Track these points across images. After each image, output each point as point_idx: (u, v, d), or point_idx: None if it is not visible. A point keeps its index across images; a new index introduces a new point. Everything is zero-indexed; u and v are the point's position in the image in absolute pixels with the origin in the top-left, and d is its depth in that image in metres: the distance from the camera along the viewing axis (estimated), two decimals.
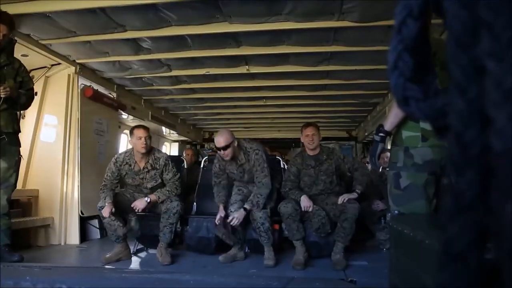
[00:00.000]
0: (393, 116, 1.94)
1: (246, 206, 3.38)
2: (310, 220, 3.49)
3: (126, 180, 3.59)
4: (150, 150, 3.58)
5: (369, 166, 4.55)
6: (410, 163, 1.92)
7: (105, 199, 3.33)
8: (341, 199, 3.41)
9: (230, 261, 3.44)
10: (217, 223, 3.41)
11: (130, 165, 3.55)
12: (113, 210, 3.29)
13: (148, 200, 3.44)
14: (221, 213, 3.45)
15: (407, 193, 1.93)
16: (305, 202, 3.45)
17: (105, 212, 3.27)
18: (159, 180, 3.59)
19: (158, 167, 3.57)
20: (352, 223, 3.33)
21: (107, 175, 3.53)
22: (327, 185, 3.63)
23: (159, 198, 3.50)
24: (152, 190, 3.57)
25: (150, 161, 3.56)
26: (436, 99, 0.44)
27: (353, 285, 2.32)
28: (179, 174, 3.72)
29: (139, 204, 3.42)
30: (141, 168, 3.55)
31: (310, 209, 3.42)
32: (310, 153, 3.67)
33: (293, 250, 3.53)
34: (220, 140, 3.44)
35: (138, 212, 3.50)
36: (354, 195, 3.44)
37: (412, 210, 1.88)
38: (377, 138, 2.01)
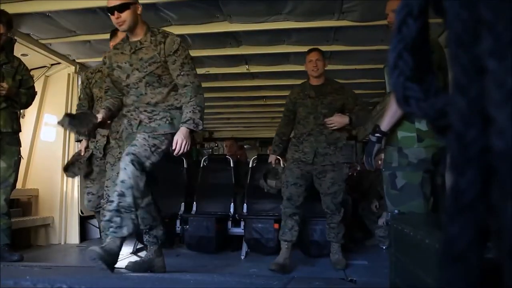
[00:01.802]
0: (390, 116, 1.94)
1: (188, 126, 2.34)
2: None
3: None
4: None
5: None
6: (405, 162, 1.94)
7: None
8: (329, 122, 3.07)
9: (142, 270, 2.48)
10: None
11: None
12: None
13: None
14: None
15: (404, 193, 1.94)
16: (270, 158, 3.37)
17: None
18: None
19: None
20: (337, 223, 3.19)
21: None
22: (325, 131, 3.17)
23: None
24: None
25: None
26: (436, 99, 0.44)
27: (353, 284, 2.33)
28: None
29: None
30: None
31: (274, 165, 3.36)
32: (313, 82, 3.21)
33: (293, 251, 3.51)
34: None
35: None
36: (345, 119, 3.08)
37: (410, 209, 1.88)
38: (373, 138, 2.01)
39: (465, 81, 0.36)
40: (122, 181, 2.18)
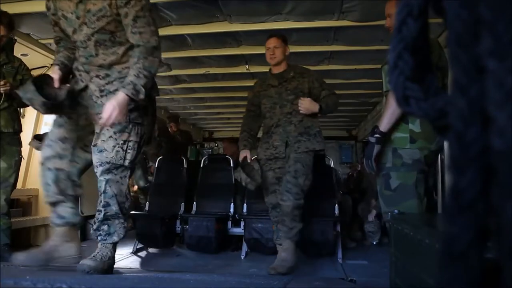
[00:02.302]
0: (389, 116, 1.93)
1: (126, 91, 1.95)
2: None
3: None
4: None
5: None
6: (399, 163, 1.94)
7: None
8: (300, 104, 2.79)
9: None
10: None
11: None
12: None
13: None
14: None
15: (398, 193, 1.93)
16: (241, 154, 2.98)
17: None
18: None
19: None
20: (291, 214, 2.74)
21: None
22: (295, 107, 2.86)
23: None
24: None
25: None
26: (436, 99, 0.44)
27: (353, 284, 2.32)
28: None
29: None
30: None
31: (247, 160, 2.96)
32: (274, 70, 2.98)
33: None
34: None
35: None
36: (316, 106, 2.84)
37: (404, 210, 1.86)
38: (372, 139, 1.98)
39: (465, 81, 0.36)
40: (104, 192, 2.05)
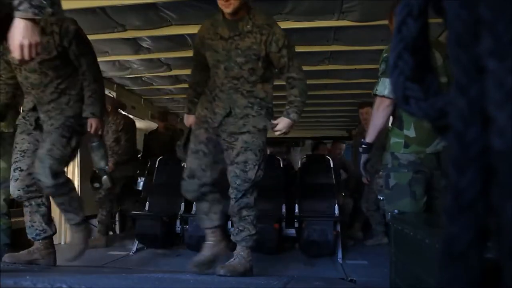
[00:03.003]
0: (372, 128, 2.14)
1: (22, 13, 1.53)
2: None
3: None
4: None
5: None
6: (396, 163, 2.11)
7: None
8: (275, 130, 2.30)
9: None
10: None
11: None
12: None
13: None
14: None
15: (394, 192, 2.11)
16: (186, 120, 2.53)
17: None
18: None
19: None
20: (239, 214, 2.33)
21: None
22: (244, 74, 2.26)
23: None
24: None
25: None
26: (436, 99, 0.44)
27: (353, 284, 2.33)
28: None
29: None
30: None
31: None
32: (228, 16, 2.28)
33: (293, 251, 3.50)
34: None
35: None
36: (286, 123, 2.28)
37: (398, 207, 2.02)
38: (360, 149, 2.22)
39: (465, 81, 0.36)
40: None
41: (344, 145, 5.18)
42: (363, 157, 2.20)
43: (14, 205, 3.78)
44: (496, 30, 0.33)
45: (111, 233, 4.70)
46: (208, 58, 2.35)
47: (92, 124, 2.46)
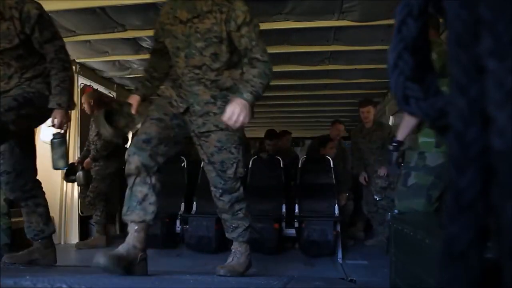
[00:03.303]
0: (404, 126, 2.15)
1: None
2: None
3: None
4: None
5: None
6: (421, 164, 2.13)
7: None
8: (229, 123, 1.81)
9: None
10: None
11: None
12: None
13: None
14: None
15: (411, 190, 2.13)
16: (131, 99, 2.16)
17: None
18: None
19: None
20: (230, 210, 2.19)
21: None
22: (206, 61, 1.98)
23: None
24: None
25: None
26: (436, 98, 0.44)
27: (353, 284, 2.33)
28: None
29: None
30: None
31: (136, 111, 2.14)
32: None
33: (293, 251, 3.49)
34: None
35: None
36: (237, 104, 1.79)
37: (411, 206, 2.07)
38: (390, 147, 2.23)
39: (465, 81, 0.36)
40: None
41: (343, 126, 5.10)
42: (394, 155, 2.21)
43: (14, 205, 3.78)
44: (496, 30, 0.33)
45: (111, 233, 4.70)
46: (168, 46, 2.08)
47: (56, 116, 2.19)
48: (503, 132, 0.32)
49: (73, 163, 3.91)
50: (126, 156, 1.95)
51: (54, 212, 4.20)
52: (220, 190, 2.14)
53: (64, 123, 2.24)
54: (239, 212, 2.19)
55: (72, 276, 1.63)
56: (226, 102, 1.96)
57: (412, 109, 0.45)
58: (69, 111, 2.29)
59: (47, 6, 3.22)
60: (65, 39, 3.80)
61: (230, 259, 2.21)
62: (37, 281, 1.22)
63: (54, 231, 2.55)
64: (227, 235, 2.28)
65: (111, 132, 2.06)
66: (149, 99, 2.23)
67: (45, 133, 4.41)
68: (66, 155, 2.50)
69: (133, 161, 1.91)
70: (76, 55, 4.32)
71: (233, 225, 2.22)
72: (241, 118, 1.78)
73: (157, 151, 1.95)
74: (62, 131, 2.33)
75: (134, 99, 2.15)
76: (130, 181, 1.94)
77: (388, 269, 1.91)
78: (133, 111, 2.11)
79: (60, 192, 4.26)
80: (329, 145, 4.54)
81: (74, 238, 4.27)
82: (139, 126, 2.09)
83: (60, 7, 3.20)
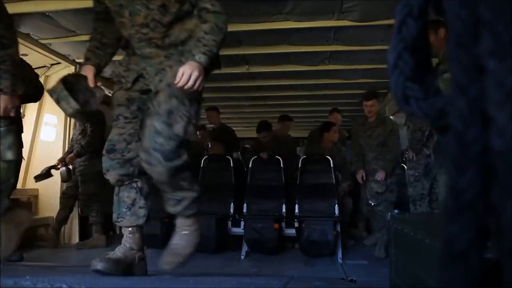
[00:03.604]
0: None
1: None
2: None
3: None
4: None
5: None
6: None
7: None
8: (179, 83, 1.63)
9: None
10: None
11: None
12: None
13: None
14: None
15: None
16: (84, 70, 1.89)
17: None
18: None
19: None
20: (171, 183, 1.81)
21: None
22: (154, 15, 1.73)
23: None
24: None
25: None
26: (436, 98, 0.44)
27: (353, 284, 2.32)
28: None
29: None
30: None
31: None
32: None
33: (293, 251, 3.48)
34: None
35: None
36: (189, 67, 1.65)
37: None
38: None
39: (465, 81, 0.36)
40: None
41: (340, 115, 5.03)
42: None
43: (14, 205, 3.78)
44: (496, 30, 0.33)
45: (111, 233, 4.70)
46: (109, 5, 1.79)
47: None
48: (503, 132, 0.32)
49: (52, 166, 3.87)
50: (104, 172, 1.83)
51: (54, 212, 4.21)
52: (158, 154, 1.64)
53: (9, 109, 1.99)
54: (182, 183, 1.80)
55: (72, 276, 1.63)
56: (181, 54, 1.78)
57: (412, 109, 0.45)
58: (16, 95, 2.01)
59: (48, 6, 3.24)
60: (65, 39, 3.84)
61: (176, 239, 1.88)
62: (37, 281, 1.22)
63: None
64: (169, 209, 1.88)
65: (75, 106, 1.70)
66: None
67: (45, 133, 4.42)
68: (15, 145, 2.22)
69: (110, 177, 1.83)
70: (76, 55, 4.32)
71: (177, 198, 1.84)
72: (193, 79, 1.61)
73: (128, 155, 1.79)
74: (9, 119, 2.07)
75: (88, 70, 1.85)
76: (115, 188, 1.85)
77: (388, 269, 1.91)
78: (91, 84, 1.81)
79: (60, 191, 4.26)
80: (332, 129, 4.44)
81: (74, 238, 4.27)
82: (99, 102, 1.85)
83: (60, 7, 3.21)
